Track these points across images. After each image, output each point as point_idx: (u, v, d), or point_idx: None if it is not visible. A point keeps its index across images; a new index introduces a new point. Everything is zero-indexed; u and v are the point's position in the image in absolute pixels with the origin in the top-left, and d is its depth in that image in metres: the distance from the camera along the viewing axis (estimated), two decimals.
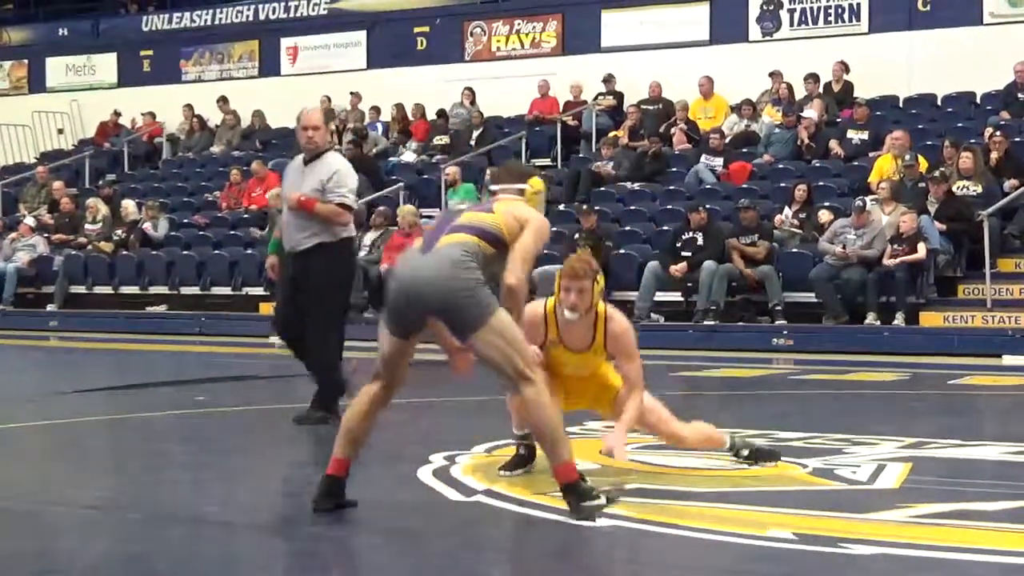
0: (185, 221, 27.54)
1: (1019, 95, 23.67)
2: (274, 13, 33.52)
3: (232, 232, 26.28)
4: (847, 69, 25.21)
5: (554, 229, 22.90)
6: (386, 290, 7.36)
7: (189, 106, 32.65)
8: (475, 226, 7.32)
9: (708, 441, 8.76)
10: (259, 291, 23.50)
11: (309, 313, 11.28)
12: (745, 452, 8.81)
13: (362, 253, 23.26)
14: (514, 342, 7.22)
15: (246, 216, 26.77)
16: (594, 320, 8.14)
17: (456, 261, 7.15)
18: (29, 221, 28.12)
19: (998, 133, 21.46)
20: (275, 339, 22.05)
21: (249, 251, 24.85)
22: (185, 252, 25.85)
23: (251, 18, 33.82)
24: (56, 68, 36.06)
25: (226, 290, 24.84)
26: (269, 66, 33.20)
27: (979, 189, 20.36)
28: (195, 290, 25.33)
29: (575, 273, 7.99)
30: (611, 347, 8.19)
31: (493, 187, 7.97)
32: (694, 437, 8.68)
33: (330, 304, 11.35)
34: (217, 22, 34.33)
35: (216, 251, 25.52)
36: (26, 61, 36.64)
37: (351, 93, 30.12)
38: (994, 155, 21.02)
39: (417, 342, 7.45)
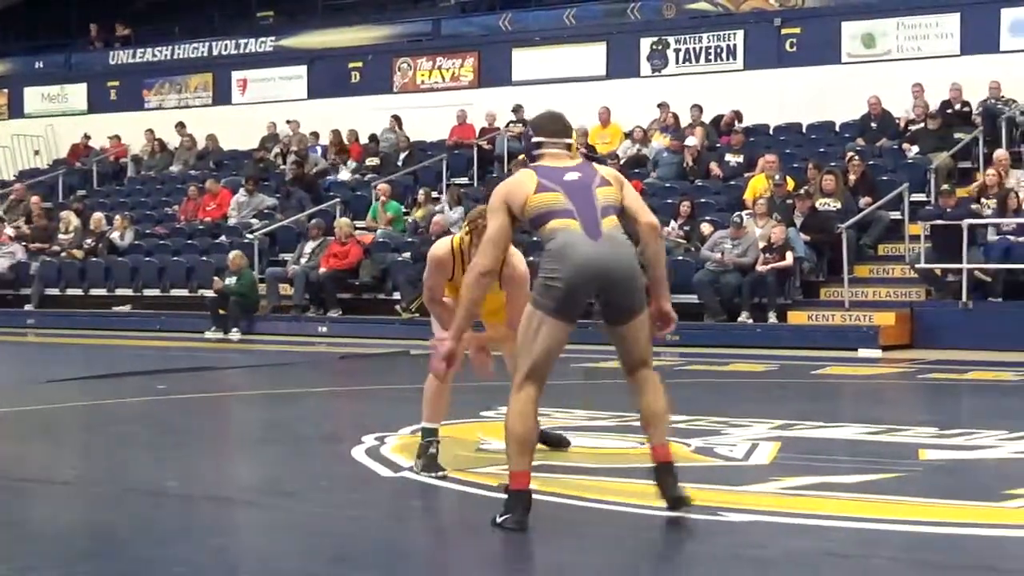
0: (147, 231, 27.28)
1: (872, 124, 23.86)
2: (226, 49, 33.33)
3: (189, 241, 26.06)
4: (740, 118, 25.29)
5: None
6: (555, 278, 6.46)
7: (151, 131, 32.37)
8: (613, 205, 6.66)
9: None
10: (210, 293, 23.28)
11: None
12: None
13: (303, 260, 23.18)
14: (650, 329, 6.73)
15: (201, 227, 26.59)
16: None
17: (629, 245, 6.66)
18: (8, 231, 27.81)
19: (856, 158, 21.63)
20: (209, 333, 22.16)
21: (204, 257, 24.69)
22: (147, 259, 25.59)
23: (206, 54, 33.60)
24: (33, 96, 35.64)
25: (184, 292, 24.64)
26: (222, 96, 32.96)
27: (838, 205, 20.50)
28: (156, 292, 25.08)
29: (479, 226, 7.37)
30: (506, 282, 7.67)
31: (538, 139, 6.93)
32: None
33: None
34: (175, 57, 34.06)
35: (175, 258, 25.29)
36: (6, 90, 36.19)
37: (289, 121, 30.01)
38: (852, 176, 21.17)
39: None
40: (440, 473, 7.80)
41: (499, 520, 6.42)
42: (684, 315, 19.92)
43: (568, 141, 6.95)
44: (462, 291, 6.88)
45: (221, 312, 22.28)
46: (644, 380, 6.71)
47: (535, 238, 6.76)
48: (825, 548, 6.15)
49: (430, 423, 8.06)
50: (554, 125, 7.00)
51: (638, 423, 7.04)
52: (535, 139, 6.96)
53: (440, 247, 8.09)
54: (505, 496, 6.52)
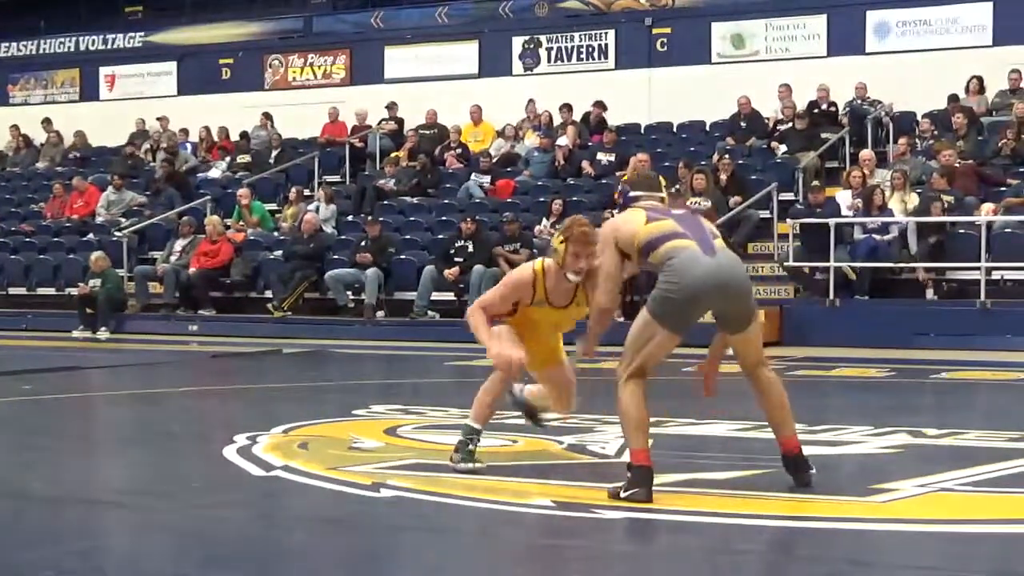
0: (13, 229, 26.87)
1: (742, 124, 24.15)
2: (94, 44, 32.90)
3: (56, 239, 25.70)
4: (605, 108, 25.48)
5: (343, 237, 22.89)
6: (675, 290, 6.95)
7: (16, 126, 31.92)
8: (715, 233, 7.26)
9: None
10: (74, 291, 22.93)
11: None
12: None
13: (173, 258, 22.92)
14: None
15: (68, 225, 26.22)
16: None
17: (740, 261, 7.35)
18: None
19: (726, 157, 21.84)
20: (77, 332, 21.85)
21: (71, 256, 24.34)
22: (13, 256, 25.21)
23: (73, 49, 33.15)
24: None
25: (50, 290, 24.29)
26: (89, 92, 32.57)
27: (709, 204, 20.68)
28: (22, 290, 24.74)
29: (588, 240, 7.64)
30: (589, 285, 7.78)
31: (633, 193, 7.54)
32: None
33: None
34: (42, 51, 33.59)
35: (41, 256, 24.94)
36: None
37: (159, 118, 29.71)
38: (723, 176, 21.38)
39: None
40: (476, 465, 7.78)
41: (624, 495, 6.85)
42: None
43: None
44: (591, 318, 7.79)
45: (88, 311, 21.98)
46: (765, 380, 7.43)
47: (649, 264, 7.20)
48: (699, 544, 6.19)
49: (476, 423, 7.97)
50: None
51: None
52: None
53: (523, 268, 8.15)
54: (628, 473, 6.93)
